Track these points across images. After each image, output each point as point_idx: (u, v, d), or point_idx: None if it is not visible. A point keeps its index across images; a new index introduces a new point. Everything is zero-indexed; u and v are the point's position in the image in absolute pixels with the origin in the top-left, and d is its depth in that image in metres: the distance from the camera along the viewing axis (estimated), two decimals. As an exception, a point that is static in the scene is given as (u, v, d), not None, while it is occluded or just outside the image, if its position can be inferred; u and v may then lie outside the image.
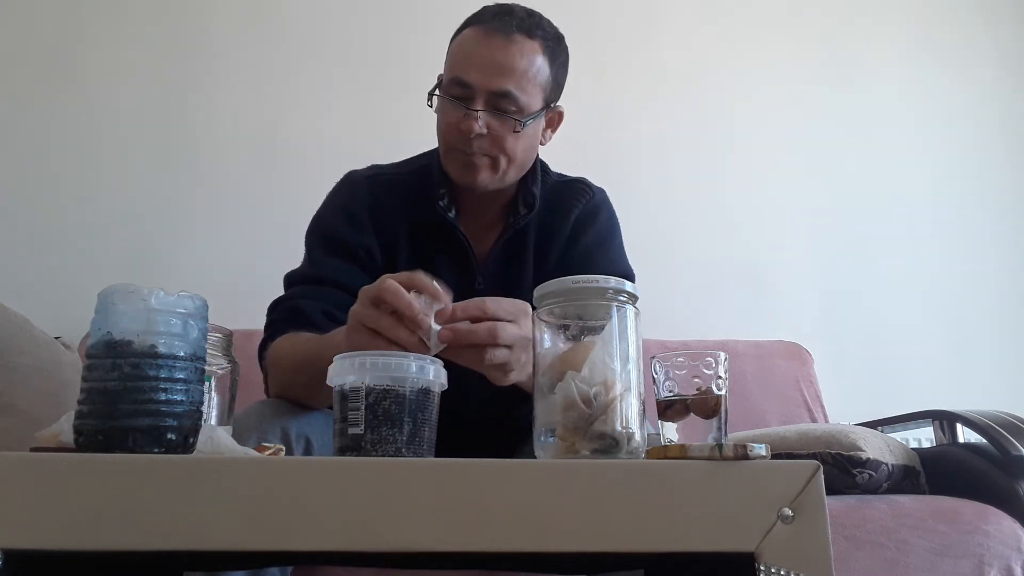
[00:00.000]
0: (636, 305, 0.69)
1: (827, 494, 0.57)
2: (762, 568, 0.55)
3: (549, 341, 0.69)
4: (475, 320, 0.80)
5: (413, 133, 2.10)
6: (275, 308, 1.13)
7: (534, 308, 0.71)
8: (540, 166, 1.23)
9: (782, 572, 0.54)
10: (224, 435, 0.65)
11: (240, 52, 2.14)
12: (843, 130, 2.37)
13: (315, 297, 1.09)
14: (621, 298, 0.68)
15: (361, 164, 1.27)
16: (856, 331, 2.22)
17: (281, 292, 1.15)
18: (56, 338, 1.49)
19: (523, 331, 0.80)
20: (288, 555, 0.84)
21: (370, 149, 1.94)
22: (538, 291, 0.70)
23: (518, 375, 0.84)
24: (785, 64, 2.39)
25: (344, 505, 0.54)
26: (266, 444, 0.80)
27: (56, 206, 1.97)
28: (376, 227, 1.16)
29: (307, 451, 0.98)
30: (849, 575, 1.16)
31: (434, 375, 0.69)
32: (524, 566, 0.84)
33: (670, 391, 0.74)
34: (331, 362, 0.68)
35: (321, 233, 1.17)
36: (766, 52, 2.38)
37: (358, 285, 0.92)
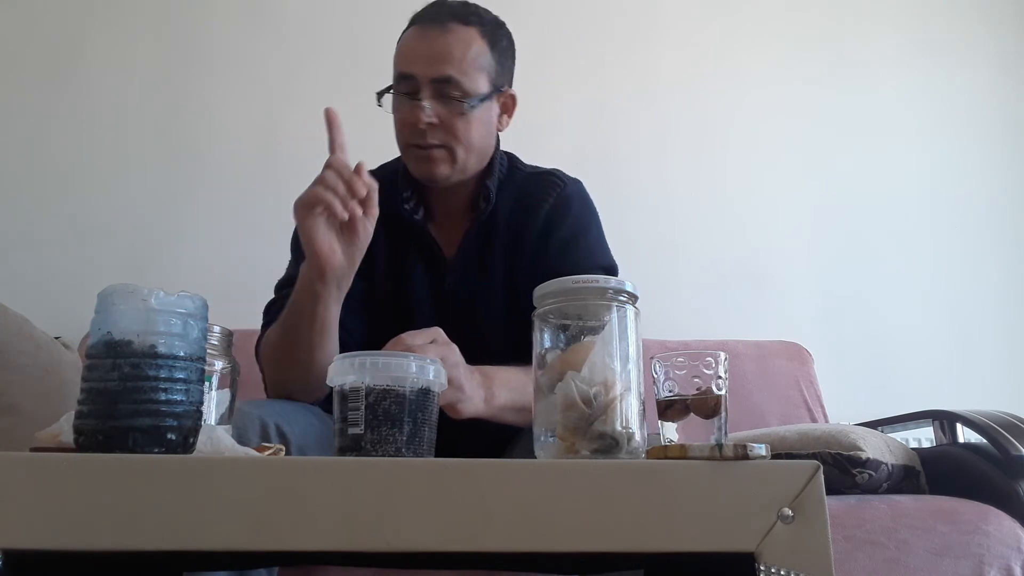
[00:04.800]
0: (636, 305, 0.69)
1: (827, 494, 0.57)
2: (762, 568, 0.54)
3: (549, 341, 0.69)
4: None
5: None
6: (266, 312, 1.16)
7: (533, 308, 0.71)
8: (504, 158, 1.22)
9: (782, 572, 0.54)
10: (224, 435, 0.65)
11: (240, 52, 2.14)
12: (842, 130, 2.37)
13: None
14: (621, 298, 0.68)
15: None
16: (856, 331, 2.22)
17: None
18: (56, 338, 1.49)
19: (444, 348, 0.85)
20: (287, 555, 0.84)
21: (370, 149, 1.94)
22: (538, 291, 0.70)
23: (473, 406, 0.88)
24: (784, 64, 2.39)
25: (344, 505, 0.54)
26: (266, 444, 0.80)
27: (56, 206, 1.97)
28: None
29: (285, 447, 0.99)
30: (849, 575, 1.16)
31: (434, 375, 0.69)
32: (524, 566, 0.84)
33: (670, 391, 0.74)
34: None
35: (297, 238, 1.19)
36: (765, 52, 2.38)
37: None
